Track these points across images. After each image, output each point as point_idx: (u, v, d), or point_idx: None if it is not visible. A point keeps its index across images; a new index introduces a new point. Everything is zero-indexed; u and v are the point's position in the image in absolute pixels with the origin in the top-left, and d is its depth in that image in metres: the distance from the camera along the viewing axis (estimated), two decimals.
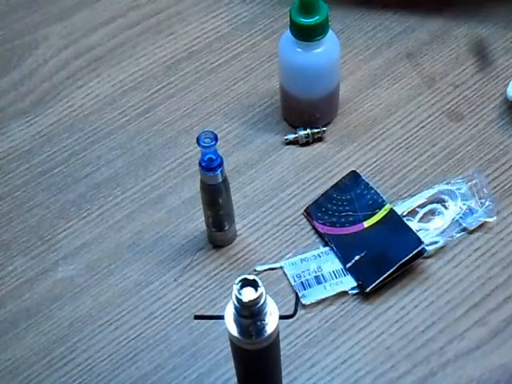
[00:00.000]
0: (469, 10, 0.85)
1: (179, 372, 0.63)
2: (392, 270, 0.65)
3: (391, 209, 0.69)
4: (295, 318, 0.65)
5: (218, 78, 0.81)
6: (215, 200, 0.64)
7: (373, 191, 0.70)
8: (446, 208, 0.70)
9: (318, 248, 0.69)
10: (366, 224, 0.69)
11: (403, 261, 0.65)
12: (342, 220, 0.69)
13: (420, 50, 0.82)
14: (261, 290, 0.48)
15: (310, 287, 0.66)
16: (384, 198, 0.70)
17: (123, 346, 0.65)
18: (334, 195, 0.71)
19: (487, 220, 0.69)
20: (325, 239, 0.69)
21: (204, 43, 0.84)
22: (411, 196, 0.71)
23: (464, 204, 0.69)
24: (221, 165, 0.61)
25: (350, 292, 0.66)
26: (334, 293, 0.66)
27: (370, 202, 0.70)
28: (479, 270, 0.67)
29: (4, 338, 0.66)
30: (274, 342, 0.52)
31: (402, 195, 0.72)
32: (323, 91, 0.73)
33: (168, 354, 0.64)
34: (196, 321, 0.66)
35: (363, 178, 0.72)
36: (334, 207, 0.70)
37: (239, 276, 0.49)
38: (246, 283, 0.49)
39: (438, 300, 0.66)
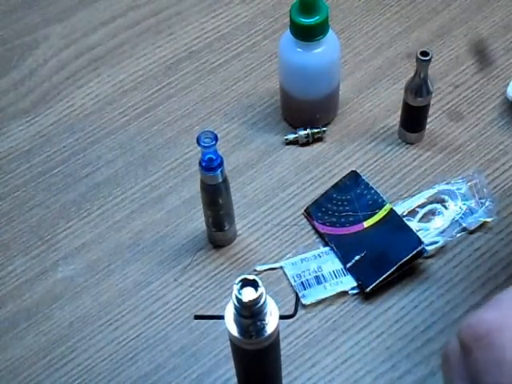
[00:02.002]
0: (469, 10, 0.85)
1: (179, 372, 0.63)
2: (392, 270, 0.65)
3: (391, 209, 0.69)
4: (295, 318, 0.65)
5: (217, 77, 0.81)
6: (215, 200, 0.64)
7: (373, 191, 0.71)
8: (445, 208, 0.70)
9: (318, 248, 0.69)
10: (366, 224, 0.69)
11: (403, 261, 0.65)
12: (342, 220, 0.69)
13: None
14: (261, 290, 0.48)
15: (310, 287, 0.66)
16: (384, 197, 0.70)
17: (123, 345, 0.65)
18: (334, 195, 0.71)
19: (487, 220, 0.69)
20: (325, 239, 0.69)
21: (204, 43, 0.84)
22: (411, 196, 0.71)
23: (464, 204, 0.69)
24: (221, 165, 0.61)
25: (349, 292, 0.66)
26: (334, 293, 0.66)
27: (370, 202, 0.70)
28: (479, 270, 0.67)
29: (4, 338, 0.66)
30: (274, 341, 0.52)
31: (402, 195, 0.72)
32: (323, 91, 0.73)
33: (168, 353, 0.64)
34: (196, 321, 0.66)
35: (363, 177, 0.72)
36: (334, 207, 0.70)
37: (239, 276, 0.49)
38: (246, 283, 0.49)
39: (437, 300, 0.66)
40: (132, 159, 0.76)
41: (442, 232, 0.68)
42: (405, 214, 0.70)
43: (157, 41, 0.85)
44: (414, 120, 0.73)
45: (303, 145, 0.76)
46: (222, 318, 0.52)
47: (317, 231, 0.70)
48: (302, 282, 0.66)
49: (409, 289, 0.66)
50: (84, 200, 0.73)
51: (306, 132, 0.75)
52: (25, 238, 0.71)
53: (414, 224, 0.68)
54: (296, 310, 0.65)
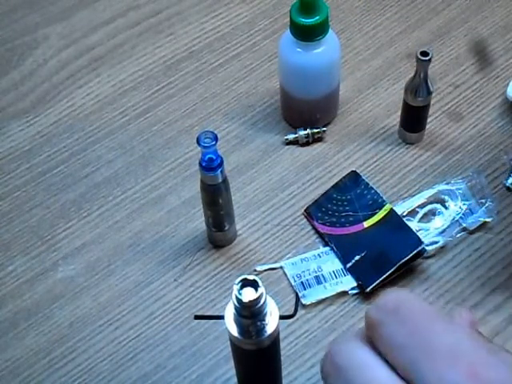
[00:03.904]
0: (469, 10, 0.85)
1: (179, 372, 0.63)
2: (392, 270, 0.65)
3: (391, 209, 0.69)
4: (295, 317, 0.65)
5: (217, 77, 0.81)
6: (215, 200, 0.64)
7: (373, 191, 0.71)
8: (446, 208, 0.70)
9: (318, 248, 0.69)
10: (366, 224, 0.69)
11: (403, 261, 0.65)
12: (342, 220, 0.69)
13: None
14: (261, 290, 0.48)
15: (310, 287, 0.66)
16: (384, 197, 0.70)
17: (123, 346, 0.65)
18: (334, 195, 0.71)
19: (487, 220, 0.69)
20: (325, 239, 0.69)
21: (204, 43, 0.84)
22: (411, 196, 0.71)
23: (464, 204, 0.69)
24: (221, 165, 0.61)
25: (349, 292, 0.66)
26: (333, 293, 0.66)
27: (370, 202, 0.70)
28: (479, 270, 0.67)
29: (4, 338, 0.66)
30: (274, 342, 0.52)
31: (402, 195, 0.72)
32: (323, 91, 0.73)
33: (168, 353, 0.64)
34: (196, 321, 0.66)
35: (363, 177, 0.72)
36: (334, 207, 0.70)
37: (239, 276, 0.49)
38: (246, 283, 0.49)
39: (437, 300, 0.66)
40: (132, 159, 0.76)
41: (441, 232, 0.68)
42: (405, 214, 0.70)
43: (157, 41, 0.85)
44: (414, 120, 0.73)
45: (303, 145, 0.76)
46: (222, 318, 0.52)
47: (317, 231, 0.70)
48: (302, 282, 0.66)
49: (409, 289, 0.66)
50: (84, 200, 0.73)
51: (306, 132, 0.75)
52: (25, 238, 0.71)
53: (413, 224, 0.68)
54: (296, 310, 0.65)
